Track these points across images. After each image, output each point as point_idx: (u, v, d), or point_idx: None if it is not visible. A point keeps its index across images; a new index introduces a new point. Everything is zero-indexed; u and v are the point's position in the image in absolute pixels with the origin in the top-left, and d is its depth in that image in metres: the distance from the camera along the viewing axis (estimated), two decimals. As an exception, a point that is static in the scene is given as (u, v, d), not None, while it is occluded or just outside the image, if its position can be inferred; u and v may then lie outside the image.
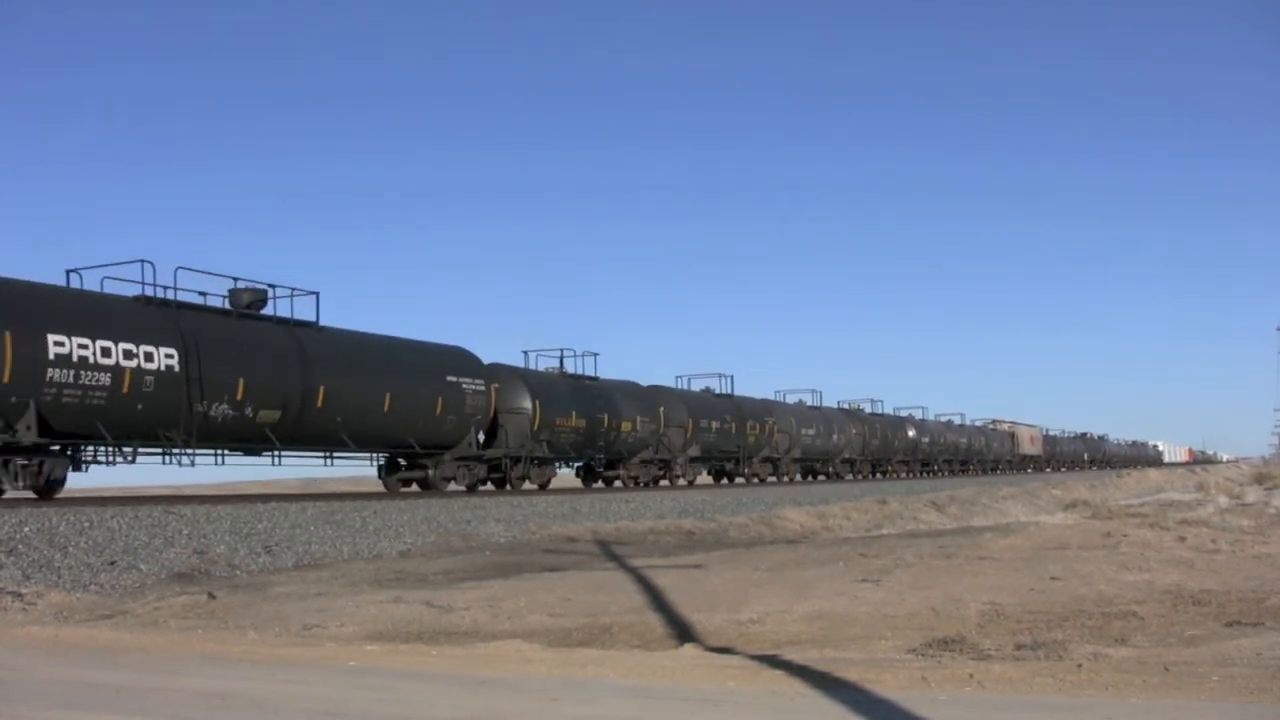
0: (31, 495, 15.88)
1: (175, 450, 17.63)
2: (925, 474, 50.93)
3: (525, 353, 28.46)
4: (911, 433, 50.26)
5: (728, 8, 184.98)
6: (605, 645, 7.88)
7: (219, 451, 19.05)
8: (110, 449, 17.04)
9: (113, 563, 12.22)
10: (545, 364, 28.94)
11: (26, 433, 15.07)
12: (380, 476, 23.76)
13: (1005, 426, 65.83)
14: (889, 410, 50.04)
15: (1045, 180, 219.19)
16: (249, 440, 19.01)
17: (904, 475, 47.77)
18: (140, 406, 16.55)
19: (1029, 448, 68.03)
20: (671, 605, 9.72)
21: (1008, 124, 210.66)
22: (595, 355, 29.61)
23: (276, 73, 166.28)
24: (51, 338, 15.43)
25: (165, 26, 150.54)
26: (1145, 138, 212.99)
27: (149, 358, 16.69)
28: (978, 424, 62.06)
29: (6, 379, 14.94)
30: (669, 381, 34.50)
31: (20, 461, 15.34)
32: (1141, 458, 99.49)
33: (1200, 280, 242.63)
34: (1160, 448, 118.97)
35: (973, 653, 7.13)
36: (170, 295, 17.87)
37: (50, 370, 15.36)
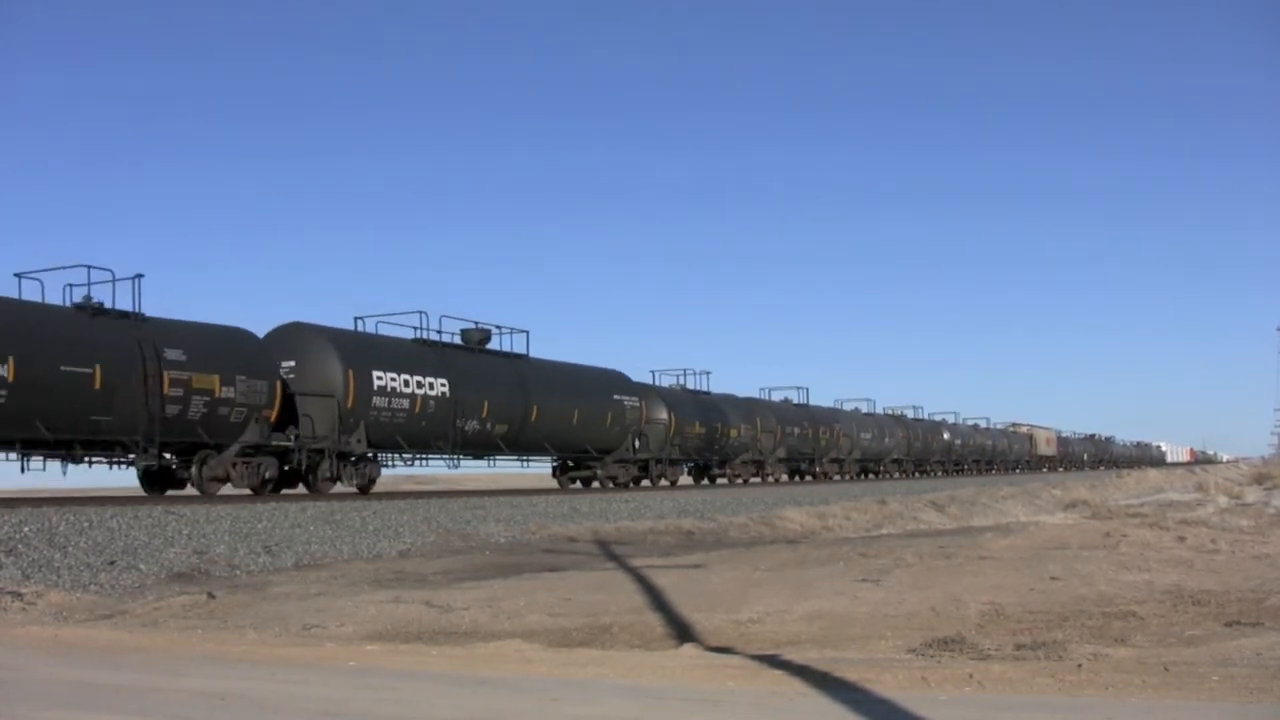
0: (354, 490, 21.18)
1: (445, 455, 23.93)
2: (956, 472, 55.58)
3: (653, 372, 34.24)
4: (946, 435, 55.50)
5: (728, 8, 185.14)
6: (605, 645, 7.88)
7: (456, 457, 24.54)
8: (405, 456, 23.09)
9: (112, 563, 12.23)
10: (667, 381, 34.42)
11: (358, 444, 20.78)
12: (555, 475, 29.97)
13: (1025, 429, 70.05)
14: (925, 415, 55.52)
15: (1044, 180, 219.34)
16: (486, 448, 24.66)
17: (939, 474, 53.19)
18: (424, 424, 22.17)
19: (1045, 449, 72.13)
20: (671, 605, 9.72)
21: (1007, 124, 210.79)
22: (708, 373, 35.71)
23: (276, 72, 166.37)
24: (375, 373, 21.19)
25: (165, 26, 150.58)
26: (1145, 138, 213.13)
27: (431, 386, 22.41)
28: (1000, 427, 66.37)
29: (350, 405, 20.58)
30: (751, 391, 40.04)
31: (354, 464, 20.99)
32: (1146, 458, 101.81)
33: (1200, 280, 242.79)
34: (1163, 448, 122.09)
35: (973, 653, 7.13)
36: (433, 336, 23.74)
37: (375, 398, 21.08)
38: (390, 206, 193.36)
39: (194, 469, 18.44)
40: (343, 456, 20.71)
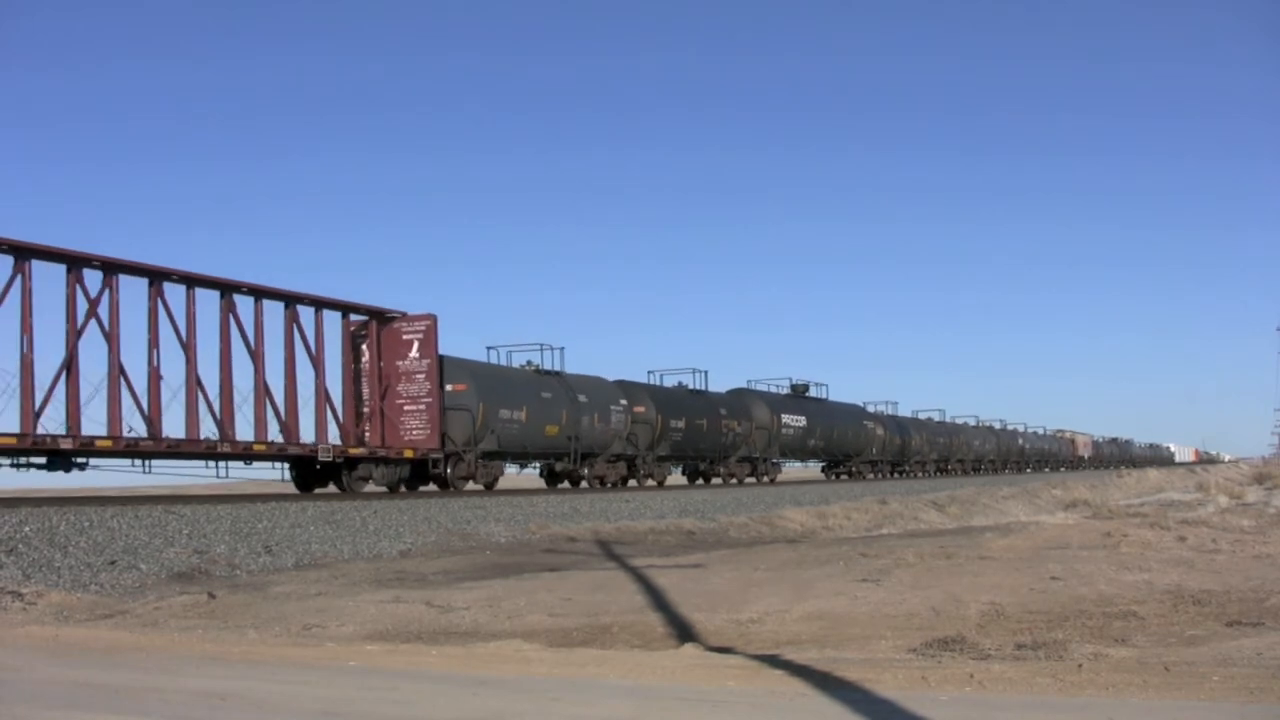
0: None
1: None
2: (1024, 470, 65.80)
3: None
4: (1020, 441, 67.69)
5: (728, 7, 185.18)
6: (605, 645, 7.88)
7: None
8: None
9: (113, 562, 12.23)
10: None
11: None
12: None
13: (1067, 434, 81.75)
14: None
15: (1044, 180, 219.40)
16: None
17: (1007, 471, 61.81)
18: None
19: (1083, 451, 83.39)
20: (672, 605, 9.72)
21: (1007, 124, 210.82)
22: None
23: (275, 73, 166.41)
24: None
25: (163, 27, 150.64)
26: (1145, 138, 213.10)
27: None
28: (1047, 432, 77.73)
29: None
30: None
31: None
32: (1158, 458, 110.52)
33: (1200, 280, 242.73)
34: (1172, 449, 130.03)
35: (973, 653, 7.12)
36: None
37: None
38: (389, 206, 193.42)
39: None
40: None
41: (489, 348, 27.48)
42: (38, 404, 16.28)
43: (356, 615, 9.40)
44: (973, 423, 61.70)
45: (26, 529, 12.72)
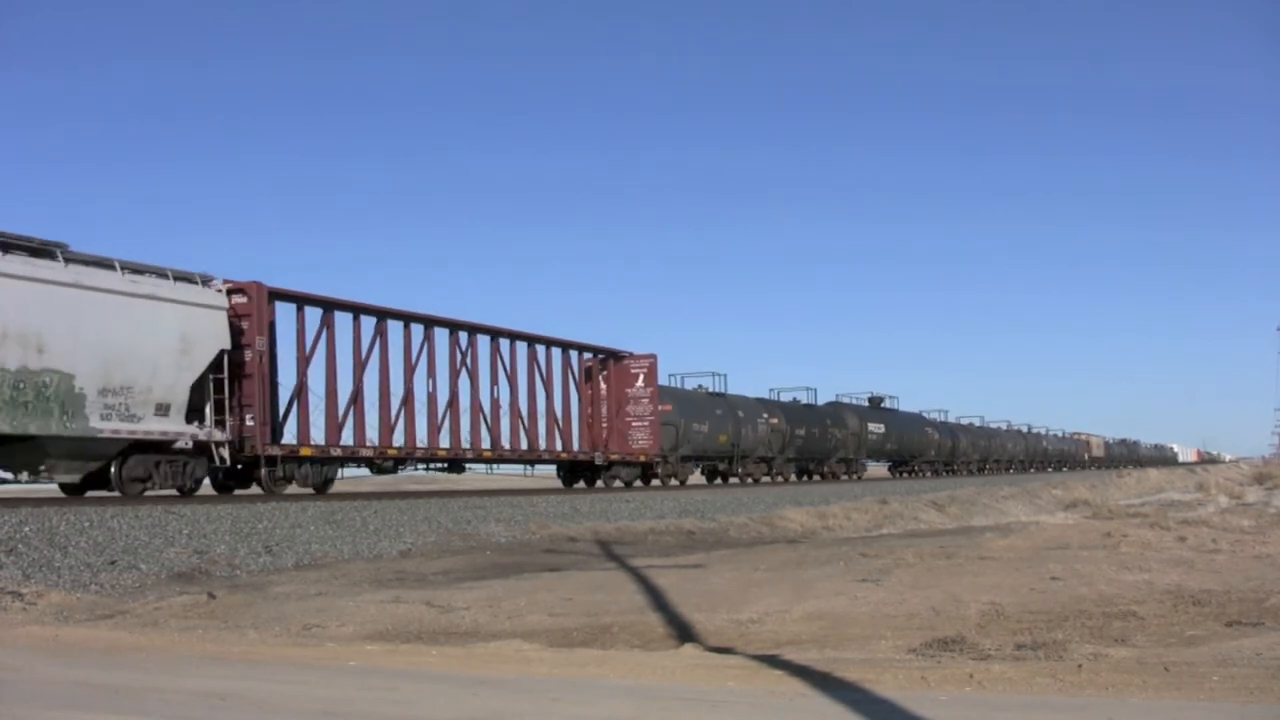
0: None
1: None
2: (1047, 469, 71.44)
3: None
4: (1044, 443, 76.01)
5: (729, 7, 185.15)
6: (605, 645, 7.88)
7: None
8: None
9: (113, 562, 12.23)
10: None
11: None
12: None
13: (1083, 437, 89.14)
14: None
15: (1042, 180, 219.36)
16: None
17: (1030, 470, 67.88)
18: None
19: (1096, 452, 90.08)
20: (672, 605, 9.72)
21: (1007, 124, 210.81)
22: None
23: (275, 72, 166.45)
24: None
25: (163, 26, 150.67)
26: (1145, 138, 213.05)
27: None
28: (1066, 434, 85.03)
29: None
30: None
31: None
32: (1163, 458, 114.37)
33: (1200, 280, 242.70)
34: (1176, 449, 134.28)
35: (973, 653, 7.13)
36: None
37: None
38: (388, 206, 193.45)
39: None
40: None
41: (670, 375, 35.01)
42: (430, 426, 23.53)
43: (356, 615, 9.41)
44: (1004, 427, 70.51)
45: (26, 529, 12.72)
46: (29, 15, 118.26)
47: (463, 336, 24.70)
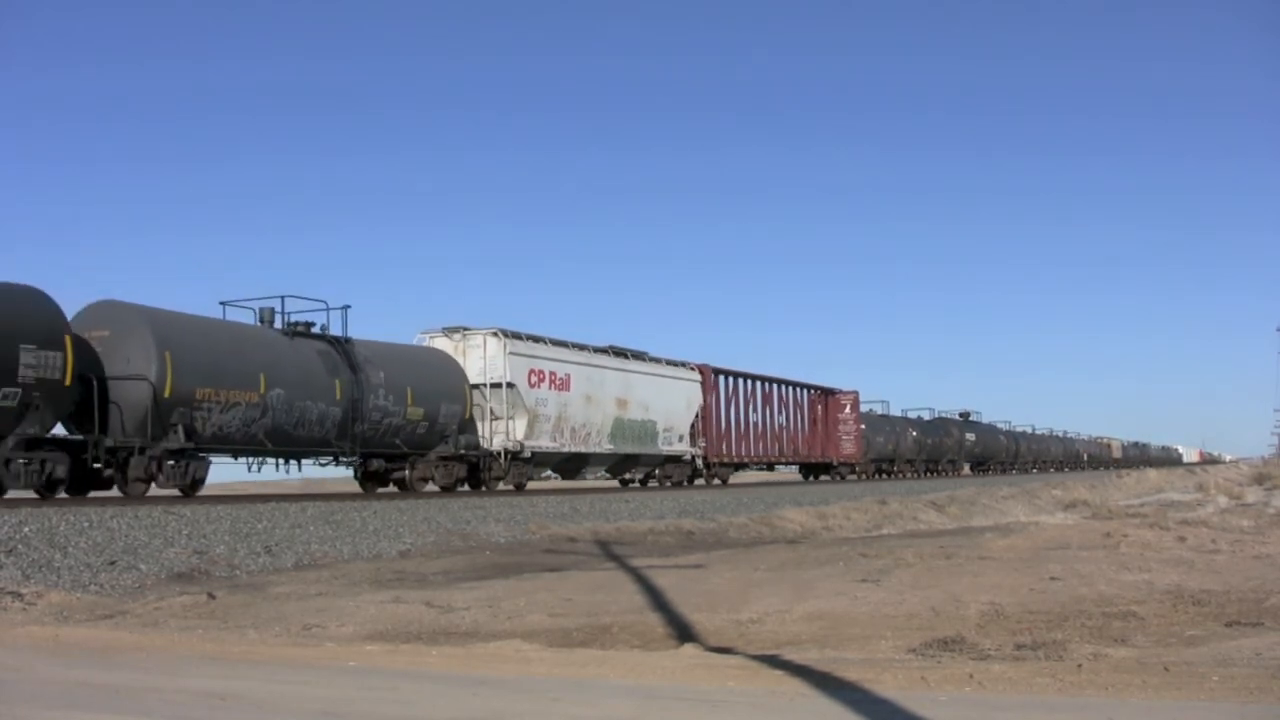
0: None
1: None
2: (1078, 469, 79.80)
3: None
4: (1078, 447, 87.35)
5: (728, 7, 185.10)
6: (605, 645, 7.88)
7: None
8: None
9: (113, 563, 12.22)
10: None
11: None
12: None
13: (1104, 440, 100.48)
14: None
15: (1042, 180, 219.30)
16: None
17: (1054, 470, 74.36)
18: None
19: (1116, 454, 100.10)
20: (671, 605, 9.72)
21: (1008, 124, 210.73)
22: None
23: (273, 73, 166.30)
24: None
25: (161, 26, 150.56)
26: (1145, 138, 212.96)
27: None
28: (1087, 437, 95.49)
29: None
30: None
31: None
32: (1170, 459, 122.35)
33: (1200, 280, 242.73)
34: (1180, 450, 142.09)
35: (973, 653, 7.13)
36: None
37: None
38: (388, 206, 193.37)
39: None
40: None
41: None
42: (770, 441, 39.06)
43: (356, 615, 9.40)
44: (1044, 432, 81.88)
45: (26, 529, 12.71)
46: (29, 15, 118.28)
47: (763, 385, 38.50)
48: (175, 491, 18.26)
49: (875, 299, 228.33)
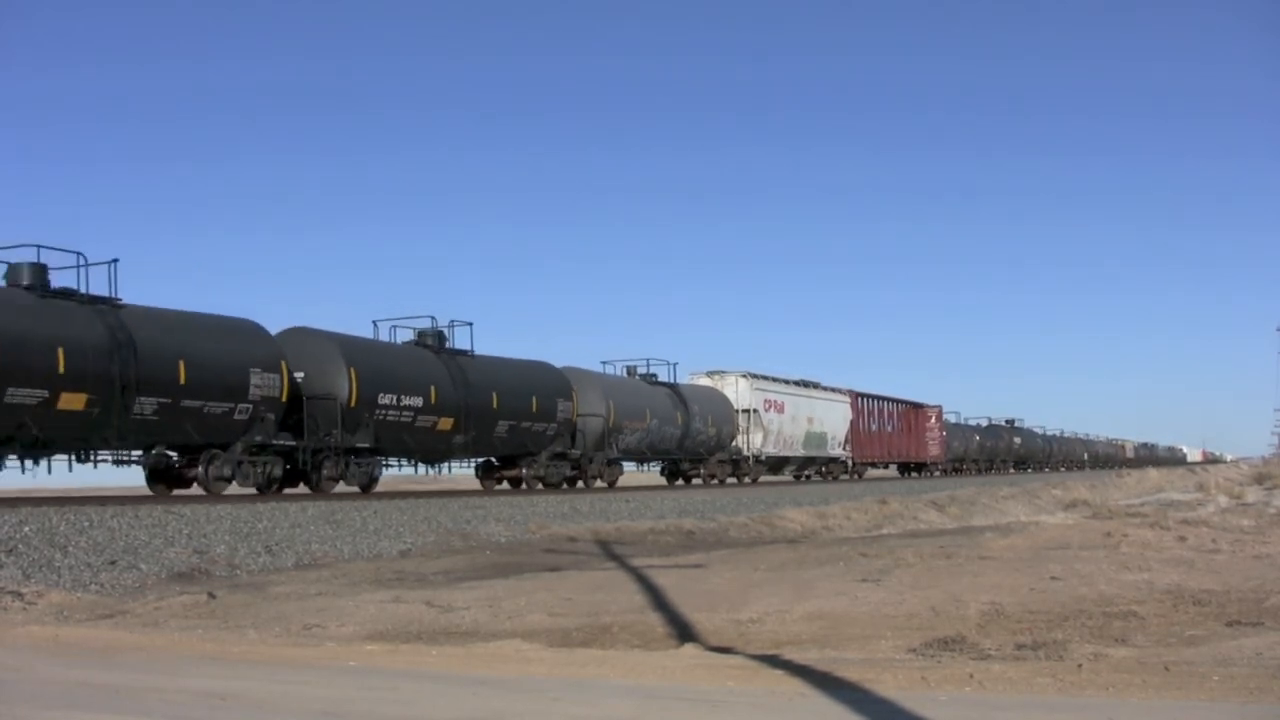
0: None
1: None
2: (1095, 468, 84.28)
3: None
4: (1097, 447, 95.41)
5: (728, 7, 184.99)
6: (605, 645, 7.88)
7: None
8: None
9: (113, 562, 12.22)
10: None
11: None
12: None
13: (1119, 442, 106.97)
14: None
15: (1041, 180, 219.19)
16: None
17: (1078, 470, 79.93)
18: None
19: (1130, 454, 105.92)
20: (672, 605, 9.72)
21: (1006, 125, 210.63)
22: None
23: (273, 73, 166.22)
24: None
25: (161, 26, 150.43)
26: (1145, 138, 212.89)
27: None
28: (1105, 439, 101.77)
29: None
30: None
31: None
32: (1174, 459, 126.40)
33: (1200, 280, 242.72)
34: (1185, 450, 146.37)
35: (973, 653, 7.12)
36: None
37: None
38: (388, 206, 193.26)
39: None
40: None
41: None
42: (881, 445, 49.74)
43: (356, 615, 9.40)
44: (1069, 435, 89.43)
45: (26, 529, 12.72)
46: (29, 15, 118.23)
47: (879, 402, 48.61)
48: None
49: (875, 299, 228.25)
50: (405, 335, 24.34)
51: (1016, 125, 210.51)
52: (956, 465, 59.94)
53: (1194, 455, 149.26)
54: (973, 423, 66.04)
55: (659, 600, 10.08)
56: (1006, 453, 68.49)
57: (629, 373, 31.96)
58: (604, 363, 31.24)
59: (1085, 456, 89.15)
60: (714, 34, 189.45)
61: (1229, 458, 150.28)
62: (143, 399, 16.91)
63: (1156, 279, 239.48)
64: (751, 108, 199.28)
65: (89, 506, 14.74)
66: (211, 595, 10.63)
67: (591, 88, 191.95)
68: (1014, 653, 7.14)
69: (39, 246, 17.15)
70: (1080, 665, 6.34)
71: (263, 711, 5.66)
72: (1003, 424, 70.75)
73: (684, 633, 8.35)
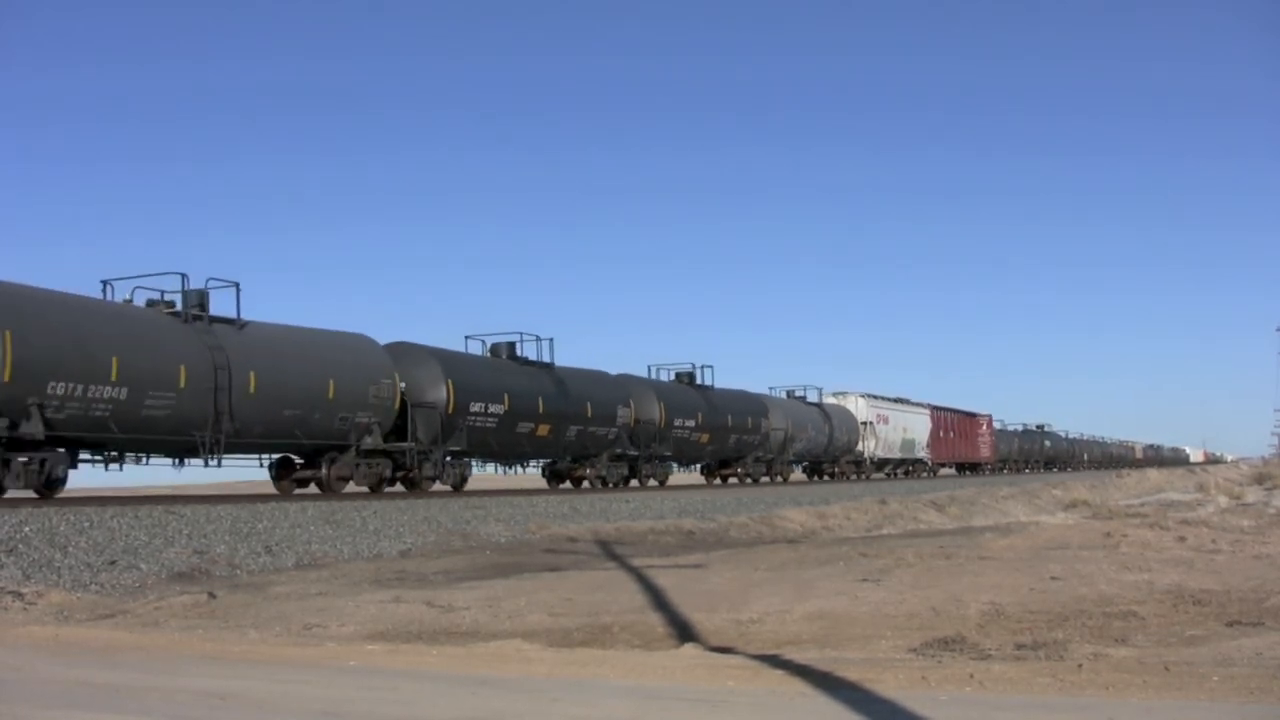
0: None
1: None
2: (1111, 468, 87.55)
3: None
4: (1110, 448, 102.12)
5: (728, 7, 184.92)
6: (605, 645, 7.88)
7: None
8: None
9: (113, 562, 12.22)
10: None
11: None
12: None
13: (1129, 443, 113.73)
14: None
15: (1042, 180, 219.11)
16: None
17: (1095, 469, 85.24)
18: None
19: (1139, 455, 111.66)
20: (672, 605, 9.72)
21: (1008, 125, 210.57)
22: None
23: (273, 73, 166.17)
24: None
25: (161, 26, 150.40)
26: (1145, 138, 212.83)
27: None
28: (1117, 441, 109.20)
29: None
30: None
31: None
32: (1178, 459, 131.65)
33: (1200, 280, 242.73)
34: (1188, 451, 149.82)
35: (973, 653, 7.13)
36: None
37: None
38: (387, 206, 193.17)
39: None
40: None
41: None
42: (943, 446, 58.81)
43: (357, 615, 9.40)
44: (1087, 438, 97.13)
45: (26, 529, 12.71)
46: (29, 15, 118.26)
47: (945, 413, 55.86)
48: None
49: (875, 299, 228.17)
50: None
51: (1017, 125, 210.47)
52: (1001, 465, 67.92)
53: (1196, 456, 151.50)
54: (1011, 428, 73.98)
55: (659, 600, 10.08)
56: (1039, 454, 77.94)
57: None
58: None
59: (1101, 457, 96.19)
60: (714, 34, 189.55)
61: (1229, 458, 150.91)
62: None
63: (1156, 279, 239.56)
64: (751, 108, 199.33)
65: (89, 507, 14.73)
66: (212, 595, 10.63)
67: (591, 88, 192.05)
68: (1014, 652, 7.14)
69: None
70: (1080, 665, 6.34)
71: (263, 711, 5.66)
72: (1034, 429, 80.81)
73: (684, 633, 8.35)
